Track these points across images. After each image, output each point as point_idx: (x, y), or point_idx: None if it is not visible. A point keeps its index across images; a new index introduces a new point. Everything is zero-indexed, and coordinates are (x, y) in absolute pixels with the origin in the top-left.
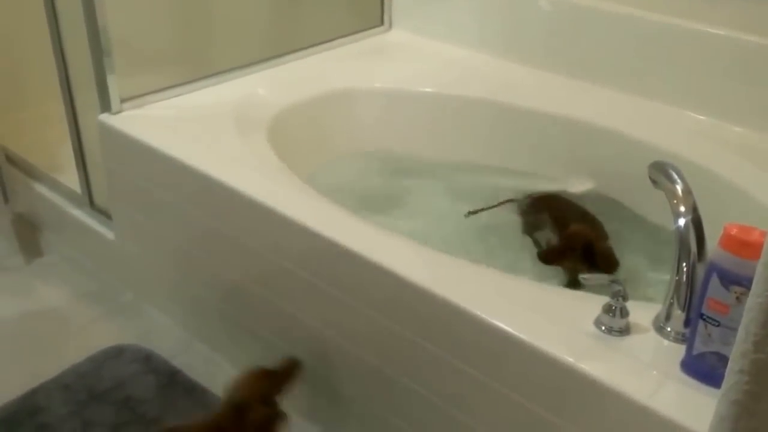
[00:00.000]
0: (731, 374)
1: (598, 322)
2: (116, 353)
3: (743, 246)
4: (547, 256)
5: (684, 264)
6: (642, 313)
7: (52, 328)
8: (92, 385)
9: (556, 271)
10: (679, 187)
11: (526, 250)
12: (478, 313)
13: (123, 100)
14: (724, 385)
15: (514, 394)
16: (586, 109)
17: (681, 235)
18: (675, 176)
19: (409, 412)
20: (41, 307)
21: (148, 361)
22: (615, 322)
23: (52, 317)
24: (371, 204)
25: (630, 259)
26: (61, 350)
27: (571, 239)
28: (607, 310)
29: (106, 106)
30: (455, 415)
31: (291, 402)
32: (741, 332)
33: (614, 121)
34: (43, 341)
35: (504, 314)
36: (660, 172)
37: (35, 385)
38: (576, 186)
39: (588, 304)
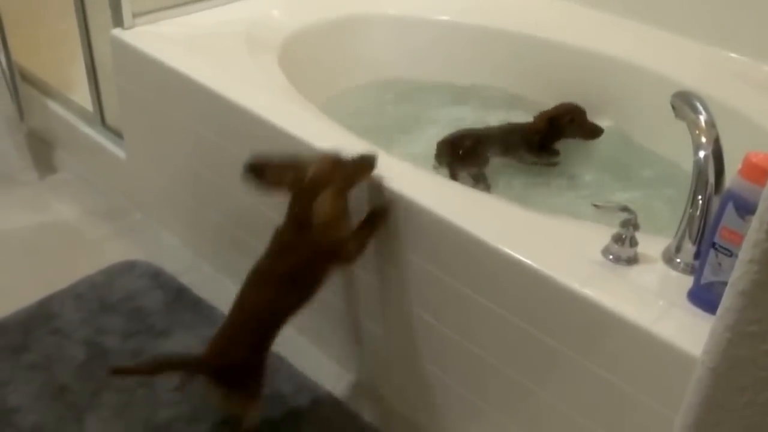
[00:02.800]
0: (740, 264)
1: (606, 251)
2: (127, 268)
3: (764, 174)
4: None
5: (699, 197)
6: (651, 244)
7: (65, 241)
8: (104, 295)
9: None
10: (702, 118)
11: (536, 186)
12: (484, 238)
13: (135, 15)
14: (732, 275)
15: (516, 319)
16: (609, 42)
17: (699, 167)
18: (699, 107)
19: (416, 341)
20: (54, 222)
21: (157, 276)
22: (623, 251)
23: (64, 231)
24: (382, 131)
25: (643, 195)
26: (73, 263)
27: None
28: (617, 239)
29: (118, 20)
30: (461, 342)
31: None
32: (754, 222)
33: (639, 56)
34: (56, 253)
35: (509, 240)
36: (683, 101)
37: (49, 293)
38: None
39: (596, 234)
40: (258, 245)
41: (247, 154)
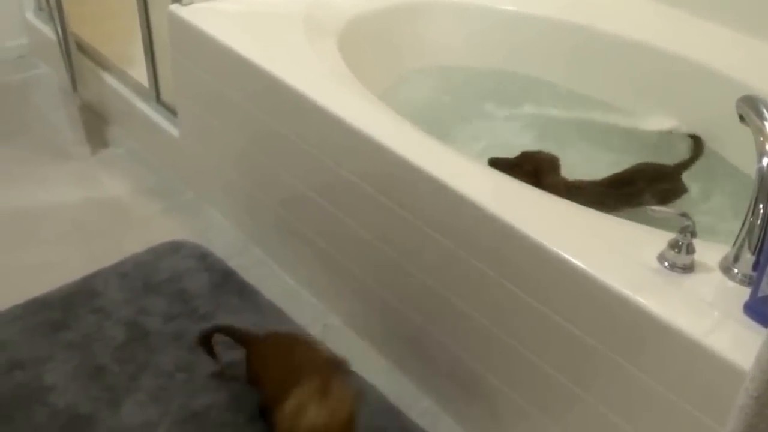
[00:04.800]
0: None
1: (661, 257)
2: (174, 248)
3: None
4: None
5: (761, 205)
6: (709, 253)
7: (113, 218)
8: (149, 275)
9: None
10: (767, 125)
11: None
12: (539, 239)
13: None
14: None
15: (567, 324)
16: (679, 40)
17: (762, 175)
18: (765, 113)
19: (461, 337)
20: (104, 198)
21: (204, 259)
22: (680, 259)
23: (113, 208)
24: (440, 122)
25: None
26: (120, 240)
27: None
28: (673, 245)
29: None
30: (508, 341)
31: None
32: None
33: (709, 56)
34: (103, 230)
35: (564, 241)
36: (749, 106)
37: (94, 269)
38: (656, 123)
39: (652, 238)
40: (310, 233)
41: (303, 139)
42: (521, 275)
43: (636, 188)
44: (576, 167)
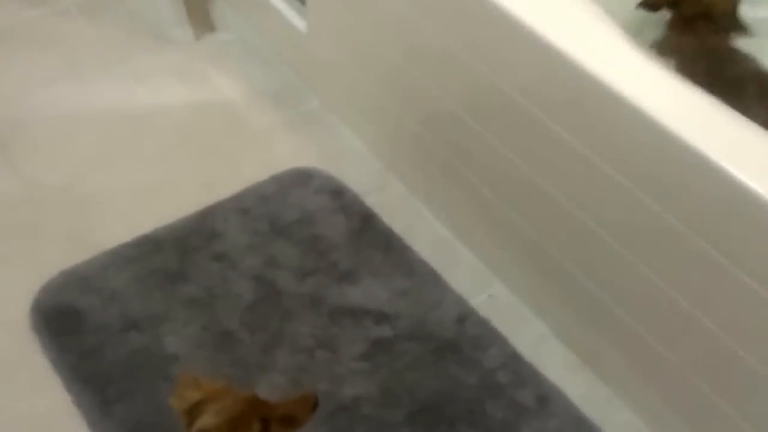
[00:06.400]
0: None
1: None
2: (302, 178)
3: None
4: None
5: None
6: None
7: (226, 128)
8: (275, 213)
9: None
10: None
11: None
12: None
13: None
14: None
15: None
16: None
17: None
18: None
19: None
20: (213, 100)
21: (338, 195)
22: None
23: (225, 114)
24: None
25: None
26: (237, 159)
27: None
28: None
29: None
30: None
31: None
32: None
33: None
34: (216, 144)
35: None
36: None
37: (211, 202)
38: None
39: None
40: (461, 163)
41: (477, 55)
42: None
43: None
44: None
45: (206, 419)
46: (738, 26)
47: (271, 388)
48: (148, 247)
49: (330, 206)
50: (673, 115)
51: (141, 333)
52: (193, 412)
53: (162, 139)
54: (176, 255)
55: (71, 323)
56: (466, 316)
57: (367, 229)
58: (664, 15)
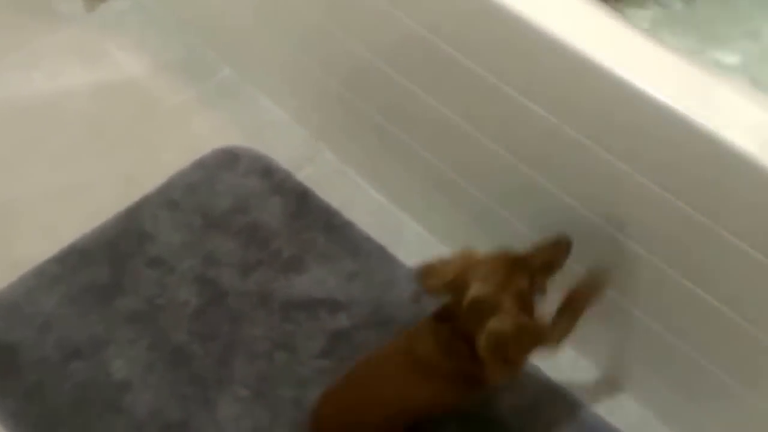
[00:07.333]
0: None
1: None
2: (229, 160)
3: None
4: None
5: None
6: None
7: (137, 110)
8: (206, 204)
9: None
10: None
11: None
12: None
13: None
14: None
15: None
16: None
17: None
18: None
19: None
20: (117, 80)
21: (269, 174)
22: None
23: (133, 94)
24: None
25: None
26: (154, 146)
27: None
28: None
29: None
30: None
31: None
32: None
33: None
34: (128, 130)
35: None
36: None
37: (135, 199)
38: None
39: None
40: (391, 123)
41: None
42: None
43: None
44: None
45: (477, 288)
46: None
47: (235, 402)
48: (75, 259)
49: (262, 188)
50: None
51: (84, 361)
52: (456, 285)
53: (69, 131)
54: (107, 265)
55: (5, 362)
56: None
57: (305, 209)
58: None
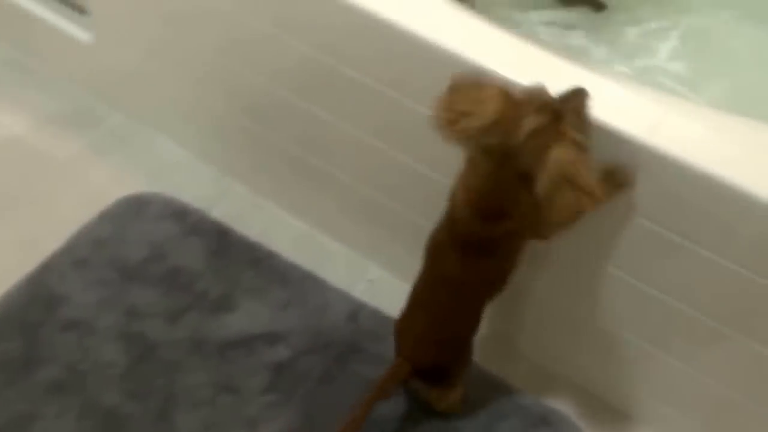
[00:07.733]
0: None
1: None
2: (137, 208)
3: None
4: None
5: None
6: None
7: (28, 168)
8: (119, 256)
9: None
10: None
11: None
12: None
13: None
14: None
15: None
16: None
17: None
18: None
19: None
20: (1, 140)
21: (183, 217)
22: None
23: (21, 152)
24: None
25: None
26: (52, 202)
27: None
28: None
29: None
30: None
31: None
32: None
33: None
34: (21, 189)
35: None
36: None
37: (38, 262)
38: None
39: None
40: (299, 147)
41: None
42: None
43: None
44: None
45: (533, 119)
46: None
47: None
48: None
49: (177, 232)
50: None
51: None
52: (502, 124)
53: None
54: (19, 337)
55: None
56: (356, 311)
57: (225, 246)
58: None
